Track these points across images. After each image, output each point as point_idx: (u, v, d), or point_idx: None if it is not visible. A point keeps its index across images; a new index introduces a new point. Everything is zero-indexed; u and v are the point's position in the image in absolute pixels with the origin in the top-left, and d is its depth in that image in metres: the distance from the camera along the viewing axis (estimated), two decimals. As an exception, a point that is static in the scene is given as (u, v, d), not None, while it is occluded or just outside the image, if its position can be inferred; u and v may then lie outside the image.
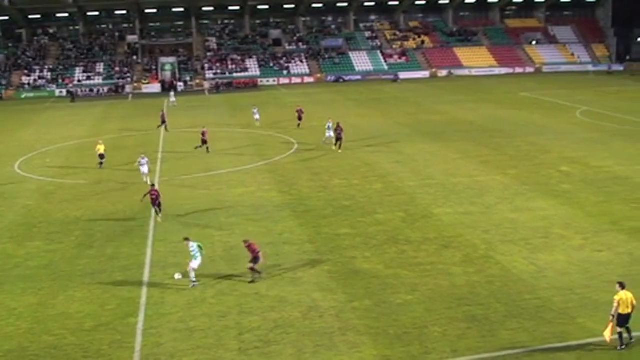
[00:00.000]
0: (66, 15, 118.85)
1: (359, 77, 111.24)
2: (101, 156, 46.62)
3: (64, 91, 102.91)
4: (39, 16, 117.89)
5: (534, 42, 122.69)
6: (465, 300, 22.84)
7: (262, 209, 34.86)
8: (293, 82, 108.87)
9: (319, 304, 22.93)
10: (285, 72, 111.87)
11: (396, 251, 27.99)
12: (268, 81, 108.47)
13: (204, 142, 50.03)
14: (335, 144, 49.35)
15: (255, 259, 25.15)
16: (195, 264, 24.99)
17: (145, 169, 41.43)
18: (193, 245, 25.19)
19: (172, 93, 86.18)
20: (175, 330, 21.46)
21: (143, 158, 41.82)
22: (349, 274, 25.60)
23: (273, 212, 34.33)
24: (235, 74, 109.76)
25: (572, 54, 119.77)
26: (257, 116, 62.87)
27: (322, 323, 21.54)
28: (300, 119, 60.90)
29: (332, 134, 50.48)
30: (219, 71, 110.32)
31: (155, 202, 33.18)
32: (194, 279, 24.96)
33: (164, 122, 62.04)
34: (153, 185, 35.09)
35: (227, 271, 26.33)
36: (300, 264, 26.82)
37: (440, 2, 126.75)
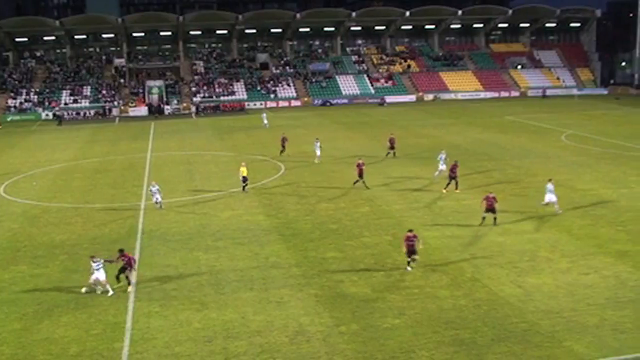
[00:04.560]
0: (53, 38, 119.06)
1: (345, 100, 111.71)
2: (244, 179, 44.12)
3: (51, 114, 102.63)
4: (25, 39, 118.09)
5: (519, 67, 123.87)
6: (453, 324, 22.79)
7: (249, 232, 34.77)
8: (280, 105, 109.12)
9: (306, 328, 22.81)
10: (272, 95, 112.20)
11: (383, 275, 27.94)
12: (255, 104, 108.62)
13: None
14: (447, 185, 42.60)
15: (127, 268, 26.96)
16: (101, 275, 26.33)
17: (158, 197, 39.92)
18: (98, 262, 26.45)
19: (264, 115, 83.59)
20: (160, 356, 21.25)
21: (154, 186, 40.35)
22: (336, 298, 25.51)
23: (260, 235, 34.23)
24: (222, 97, 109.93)
25: (557, 78, 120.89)
26: (318, 152, 54.81)
27: (309, 347, 21.41)
28: (392, 148, 56.37)
29: (444, 167, 44.56)
30: (206, 94, 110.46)
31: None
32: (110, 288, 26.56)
33: (283, 147, 59.07)
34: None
35: (213, 295, 26.18)
36: (287, 288, 26.69)
37: (426, 27, 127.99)
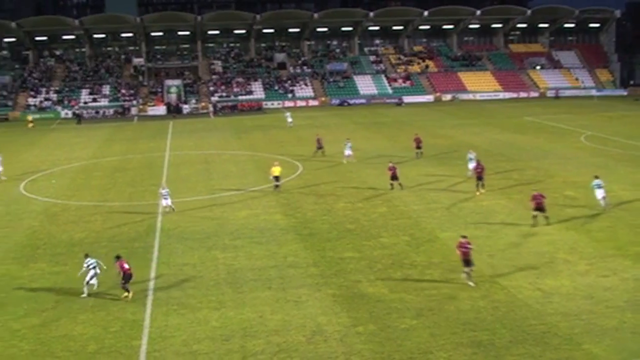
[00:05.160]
0: (72, 37, 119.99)
1: (363, 100, 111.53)
2: (276, 178, 44.07)
3: (70, 113, 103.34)
4: (45, 38, 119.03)
5: (538, 67, 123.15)
6: (471, 325, 22.72)
7: (266, 232, 34.84)
8: (298, 105, 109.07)
9: (323, 328, 22.83)
10: (290, 95, 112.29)
11: (401, 275, 27.91)
12: (273, 104, 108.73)
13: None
14: (479, 186, 42.10)
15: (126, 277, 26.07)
16: (88, 276, 26.51)
17: (167, 201, 38.93)
18: (90, 261, 26.79)
19: (288, 114, 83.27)
20: (178, 354, 21.36)
21: (164, 189, 39.75)
22: (354, 298, 25.51)
23: (278, 235, 34.30)
24: (240, 97, 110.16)
25: (576, 79, 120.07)
26: (348, 152, 54.09)
27: (327, 347, 21.43)
28: (419, 147, 55.65)
29: (474, 165, 44.39)
30: (224, 94, 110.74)
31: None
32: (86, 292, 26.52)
33: (320, 147, 57.95)
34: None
35: (231, 294, 26.27)
36: (304, 288, 26.73)
37: (444, 27, 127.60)
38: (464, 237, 27.15)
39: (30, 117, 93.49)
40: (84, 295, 26.41)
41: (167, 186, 40.69)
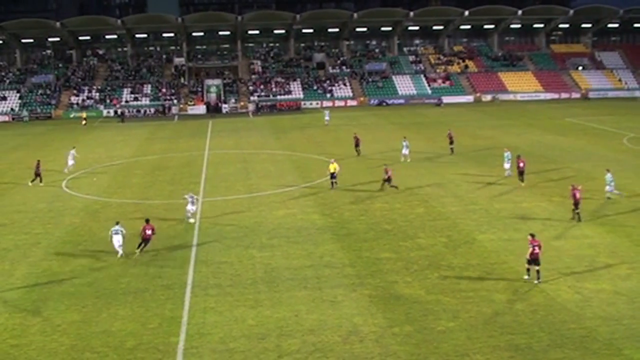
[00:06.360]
0: (115, 37, 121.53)
1: (402, 101, 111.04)
2: (332, 175, 44.66)
3: (111, 111, 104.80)
4: (88, 38, 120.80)
5: (580, 68, 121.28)
6: (508, 328, 22.50)
7: (303, 231, 34.93)
8: (336, 105, 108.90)
9: (359, 329, 22.82)
10: (328, 95, 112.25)
11: (438, 277, 27.76)
12: (311, 104, 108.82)
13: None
14: (520, 179, 44.32)
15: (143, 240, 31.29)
16: (115, 241, 31.19)
17: (191, 207, 37.49)
18: (115, 228, 31.52)
19: (327, 112, 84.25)
20: (215, 351, 21.53)
21: (191, 196, 38.03)
22: (390, 299, 25.45)
23: (314, 234, 34.36)
24: (279, 97, 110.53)
25: (619, 80, 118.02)
26: (405, 150, 54.60)
27: (362, 348, 21.41)
28: (451, 142, 57.92)
29: (509, 165, 46.51)
30: (263, 93, 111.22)
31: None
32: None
33: (357, 145, 58.30)
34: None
35: (268, 293, 26.39)
36: (340, 288, 26.74)
37: (485, 26, 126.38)
38: (532, 235, 27.41)
39: (84, 115, 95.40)
40: (120, 254, 31.09)
41: (194, 194, 39.10)
